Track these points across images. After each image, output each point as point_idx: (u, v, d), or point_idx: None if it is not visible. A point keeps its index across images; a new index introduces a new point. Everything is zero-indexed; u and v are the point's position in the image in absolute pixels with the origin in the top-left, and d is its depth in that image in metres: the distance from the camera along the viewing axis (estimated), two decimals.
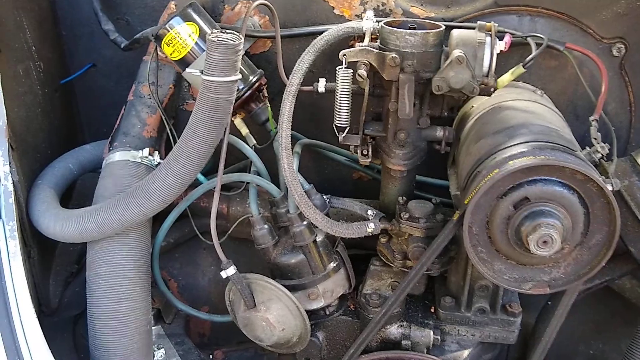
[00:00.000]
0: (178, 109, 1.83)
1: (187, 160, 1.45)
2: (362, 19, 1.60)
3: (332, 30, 1.57)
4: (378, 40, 1.52)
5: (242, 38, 1.37)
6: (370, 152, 1.59)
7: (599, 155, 1.46)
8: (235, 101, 1.62)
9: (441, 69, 1.42)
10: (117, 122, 1.74)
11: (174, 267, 2.02)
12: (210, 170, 1.76)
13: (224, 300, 1.70)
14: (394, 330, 1.66)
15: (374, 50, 1.45)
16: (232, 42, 1.33)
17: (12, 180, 1.50)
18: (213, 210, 1.50)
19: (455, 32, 1.46)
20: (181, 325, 1.88)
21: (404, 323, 1.66)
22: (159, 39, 1.62)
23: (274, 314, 1.58)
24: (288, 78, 1.54)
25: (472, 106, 1.64)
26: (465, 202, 1.34)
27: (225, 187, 1.77)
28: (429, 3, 1.73)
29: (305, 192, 1.57)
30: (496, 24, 1.47)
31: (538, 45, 1.59)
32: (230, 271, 1.53)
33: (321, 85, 1.58)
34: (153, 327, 1.76)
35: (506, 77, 1.54)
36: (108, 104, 1.90)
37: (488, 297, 1.63)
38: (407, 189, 1.67)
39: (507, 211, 1.33)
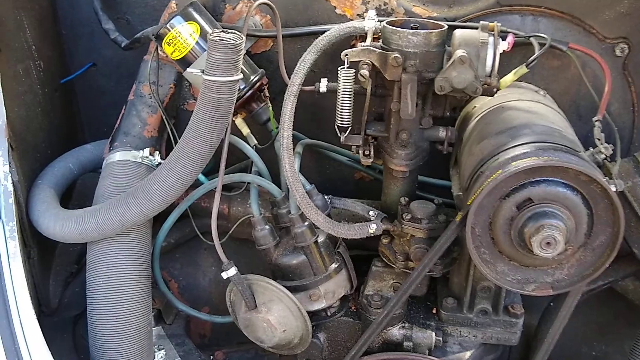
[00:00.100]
0: (179, 108, 1.82)
1: (188, 161, 1.44)
2: (364, 18, 1.59)
3: (334, 30, 1.56)
4: (380, 40, 1.52)
5: (244, 37, 1.36)
6: (372, 153, 1.59)
7: (603, 156, 1.45)
8: (237, 101, 1.62)
9: (444, 69, 1.41)
10: (118, 122, 1.73)
11: (175, 268, 2.01)
12: (211, 171, 1.74)
13: (224, 301, 1.69)
14: (396, 332, 1.65)
15: (377, 50, 1.45)
16: (233, 41, 1.32)
17: (12, 180, 1.49)
18: (214, 211, 1.49)
19: (458, 32, 1.46)
20: (182, 326, 1.87)
21: (406, 324, 1.65)
22: (159, 38, 1.61)
23: (275, 315, 1.57)
24: (289, 78, 1.53)
25: (475, 106, 1.63)
26: (468, 203, 1.33)
27: (226, 188, 1.76)
28: (431, 3, 1.72)
29: (306, 192, 1.56)
30: (499, 24, 1.46)
31: (541, 45, 1.58)
32: (231, 272, 1.52)
33: (323, 85, 1.57)
34: (153, 328, 1.75)
35: (509, 77, 1.53)
36: (108, 104, 1.89)
37: (490, 299, 1.62)
38: (409, 190, 1.67)
39: (510, 212, 1.32)
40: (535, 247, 1.27)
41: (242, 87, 1.63)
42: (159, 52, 1.69)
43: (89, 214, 1.52)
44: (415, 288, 1.57)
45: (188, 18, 1.60)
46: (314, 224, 1.59)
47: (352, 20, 1.71)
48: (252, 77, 1.65)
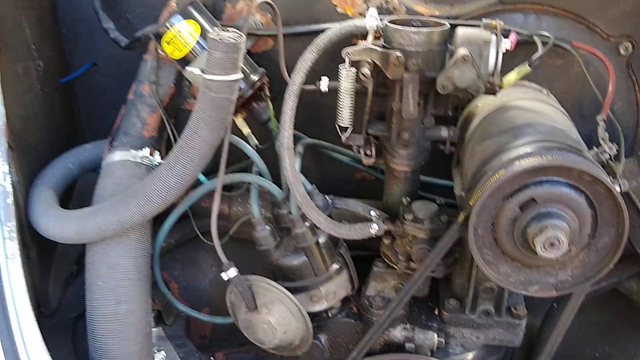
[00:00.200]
0: (179, 108, 1.81)
1: (187, 161, 1.43)
2: (365, 17, 1.58)
3: (335, 29, 1.55)
4: (382, 39, 1.50)
5: (244, 36, 1.35)
6: (373, 152, 1.57)
7: (607, 156, 1.44)
8: (237, 100, 1.60)
9: (446, 67, 1.40)
10: (117, 122, 1.72)
11: (175, 268, 2.00)
12: (211, 171, 1.73)
13: (225, 302, 1.68)
14: (398, 333, 1.64)
15: (378, 48, 1.43)
16: (233, 40, 1.31)
17: (11, 180, 1.48)
18: (214, 211, 1.48)
19: (460, 31, 1.44)
20: (182, 327, 1.86)
21: (408, 325, 1.64)
22: (159, 37, 1.60)
23: (276, 316, 1.56)
24: (290, 77, 1.52)
25: (478, 106, 1.61)
26: (471, 204, 1.31)
27: (226, 188, 1.75)
28: (433, 1, 1.71)
29: (307, 192, 1.55)
30: (502, 22, 1.45)
31: (544, 43, 1.56)
32: (231, 273, 1.51)
33: (324, 84, 1.56)
34: (153, 329, 1.74)
35: (512, 76, 1.52)
36: (109, 103, 1.88)
37: (493, 300, 1.61)
38: (411, 190, 1.65)
39: (513, 213, 1.31)
40: (539, 248, 1.26)
41: (242, 86, 1.62)
42: (159, 51, 1.68)
43: (87, 215, 1.51)
44: (417, 289, 1.55)
45: (188, 17, 1.58)
46: (314, 225, 1.57)
47: (353, 18, 1.69)
48: (252, 77, 1.63)
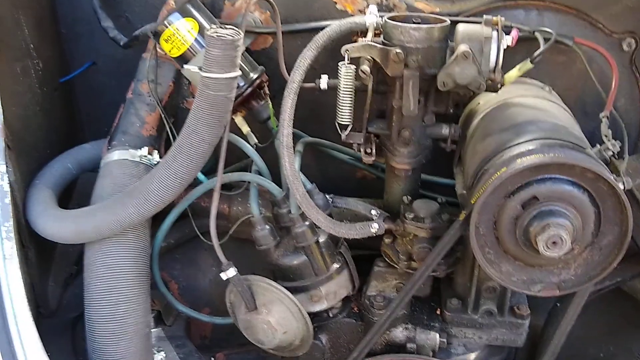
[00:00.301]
0: (178, 107, 1.80)
1: (186, 159, 1.41)
2: (365, 14, 1.56)
3: (335, 26, 1.54)
4: (382, 36, 1.49)
5: (242, 34, 1.34)
6: (374, 151, 1.56)
7: (610, 153, 1.42)
8: (236, 99, 1.59)
9: (446, 64, 1.38)
10: (116, 121, 1.71)
11: (175, 268, 1.99)
12: (211, 170, 1.72)
13: (225, 302, 1.66)
14: (399, 333, 1.62)
15: (377, 45, 1.42)
16: (231, 37, 1.30)
17: (9, 180, 1.48)
18: (212, 211, 1.47)
19: (460, 27, 1.43)
20: (182, 328, 1.85)
21: (409, 325, 1.63)
22: (157, 35, 1.59)
23: (276, 316, 1.54)
24: (289, 75, 1.50)
25: (479, 103, 1.60)
26: (472, 202, 1.30)
27: (226, 187, 1.74)
28: None
29: (307, 191, 1.54)
30: (503, 19, 1.43)
31: (546, 40, 1.55)
32: (230, 273, 1.50)
33: (323, 81, 1.54)
34: (153, 330, 1.73)
35: (513, 73, 1.50)
36: (109, 103, 1.87)
37: (495, 299, 1.59)
38: (412, 188, 1.64)
39: (515, 211, 1.29)
40: (541, 247, 1.24)
41: (241, 84, 1.61)
42: (158, 49, 1.66)
43: (85, 214, 1.50)
44: (418, 289, 1.54)
45: (186, 14, 1.58)
46: (314, 224, 1.56)
47: (353, 15, 1.68)
48: (251, 75, 1.62)
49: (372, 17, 1.52)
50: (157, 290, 1.75)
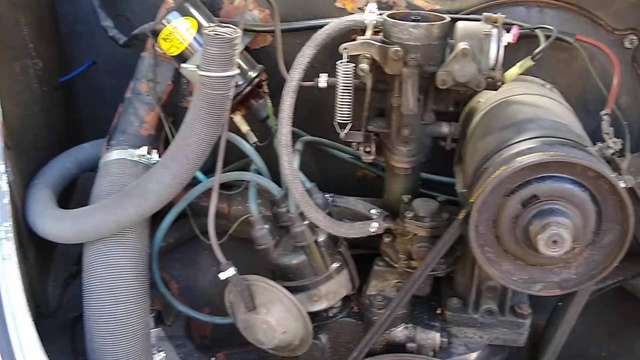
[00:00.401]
0: (177, 106, 1.80)
1: (184, 159, 1.41)
2: (364, 11, 1.55)
3: (333, 24, 1.53)
4: (381, 34, 1.48)
5: (240, 32, 1.33)
6: (373, 149, 1.55)
7: (611, 151, 1.41)
8: (235, 97, 1.58)
9: (446, 62, 1.37)
10: (115, 120, 1.71)
11: (175, 268, 1.99)
12: (210, 169, 1.71)
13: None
14: (399, 333, 1.61)
15: (376, 43, 1.41)
16: (228, 36, 1.29)
17: (8, 180, 1.47)
18: (211, 210, 1.47)
19: (460, 24, 1.42)
20: (182, 327, 1.85)
21: (410, 325, 1.62)
22: (156, 34, 1.59)
23: (275, 316, 1.54)
24: (288, 73, 1.49)
25: (479, 101, 1.59)
26: (471, 201, 1.29)
27: (226, 186, 1.73)
28: None
29: (306, 190, 1.53)
30: (503, 16, 1.42)
31: (547, 37, 1.54)
32: (229, 272, 1.49)
33: (322, 80, 1.53)
34: (153, 330, 1.73)
35: (514, 71, 1.49)
36: (109, 102, 1.87)
37: (496, 298, 1.58)
38: (412, 187, 1.63)
39: (515, 210, 1.28)
40: (541, 246, 1.23)
41: (240, 83, 1.60)
42: (157, 48, 1.66)
43: (84, 214, 1.50)
44: (418, 288, 1.53)
45: (184, 13, 1.57)
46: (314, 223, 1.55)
47: (352, 13, 1.67)
48: (250, 73, 1.61)
49: (371, 15, 1.51)
50: (157, 290, 1.75)
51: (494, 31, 1.39)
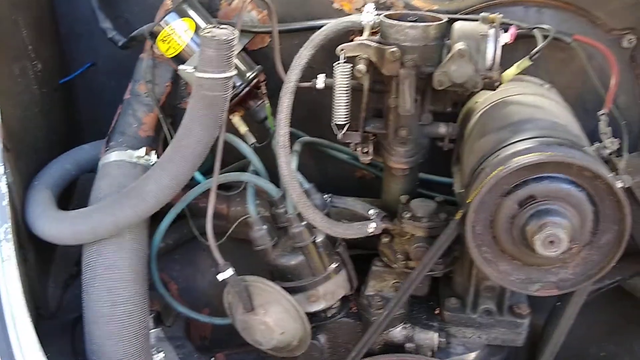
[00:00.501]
0: (176, 107, 1.80)
1: (181, 160, 1.41)
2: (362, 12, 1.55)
3: (331, 25, 1.53)
4: (379, 35, 1.48)
5: (237, 33, 1.33)
6: (371, 150, 1.55)
7: (609, 151, 1.40)
8: (233, 98, 1.59)
9: (442, 63, 1.37)
10: (114, 122, 1.71)
11: (174, 269, 1.99)
12: (209, 169, 1.71)
13: None
14: (398, 333, 1.61)
15: (373, 44, 1.41)
16: (225, 37, 1.29)
17: (7, 181, 1.48)
18: (209, 211, 1.47)
19: (457, 25, 1.41)
20: (181, 328, 1.85)
21: (408, 325, 1.62)
22: (154, 35, 1.59)
23: (273, 317, 1.54)
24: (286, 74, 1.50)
25: (477, 101, 1.58)
26: (468, 201, 1.29)
27: (225, 187, 1.74)
28: None
29: (304, 191, 1.53)
30: (500, 16, 1.42)
31: (544, 37, 1.53)
32: (227, 273, 1.50)
33: (320, 81, 1.53)
34: (153, 330, 1.73)
35: (511, 71, 1.49)
36: (110, 103, 1.87)
37: (494, 298, 1.58)
38: (410, 188, 1.63)
39: (511, 210, 1.28)
40: (538, 246, 1.23)
41: (238, 84, 1.60)
42: (155, 50, 1.66)
43: (83, 216, 1.50)
44: (416, 288, 1.53)
45: (182, 14, 1.57)
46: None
47: (350, 14, 1.67)
48: (247, 74, 1.62)
49: (368, 16, 1.50)
50: (156, 291, 1.75)
51: (491, 31, 1.38)
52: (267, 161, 1.66)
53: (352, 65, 1.44)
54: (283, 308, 1.54)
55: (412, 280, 1.48)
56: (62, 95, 1.99)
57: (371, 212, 1.59)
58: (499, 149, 1.32)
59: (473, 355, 1.63)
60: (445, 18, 1.46)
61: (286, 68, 1.54)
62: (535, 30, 1.54)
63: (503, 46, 1.41)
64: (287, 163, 1.49)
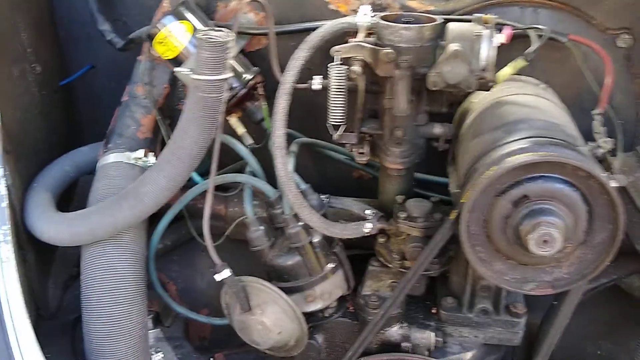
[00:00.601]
0: (174, 109, 1.81)
1: (178, 161, 1.42)
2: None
3: (327, 26, 1.54)
4: (376, 36, 1.49)
5: (233, 35, 1.34)
6: (367, 151, 1.56)
7: (603, 151, 1.41)
8: (231, 100, 1.60)
9: (437, 63, 1.38)
10: (112, 124, 1.72)
11: (173, 270, 1.99)
12: (208, 171, 1.71)
13: None
14: (394, 332, 1.62)
15: (367, 45, 1.42)
16: (220, 39, 1.30)
17: (7, 183, 1.49)
18: (205, 212, 1.48)
19: (451, 26, 1.42)
20: (180, 329, 1.86)
21: (405, 324, 1.62)
22: (152, 38, 1.60)
23: (270, 317, 1.55)
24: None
25: (472, 102, 1.59)
26: (462, 201, 1.30)
27: (223, 188, 1.75)
28: None
29: (301, 192, 1.54)
30: (495, 16, 1.43)
31: (540, 37, 1.54)
32: (224, 274, 1.50)
33: (316, 82, 1.54)
34: (152, 331, 1.74)
35: (506, 71, 1.50)
36: (109, 105, 1.89)
37: (491, 298, 1.59)
38: (406, 188, 1.63)
39: (506, 210, 1.29)
40: (532, 245, 1.24)
41: (236, 85, 1.61)
42: (153, 52, 1.67)
43: (81, 217, 1.51)
44: (412, 288, 1.54)
45: (179, 17, 1.59)
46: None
47: (346, 16, 1.67)
48: (245, 76, 1.62)
49: (363, 17, 1.51)
50: (155, 292, 1.76)
51: (485, 32, 1.39)
52: (265, 162, 1.67)
53: (347, 66, 1.45)
54: (280, 308, 1.55)
55: (407, 280, 1.48)
56: (62, 97, 2.01)
57: (367, 212, 1.60)
58: (493, 149, 1.33)
59: (470, 354, 1.63)
60: (439, 19, 1.46)
61: (284, 69, 1.55)
62: (529, 30, 1.54)
63: (499, 47, 1.42)
64: (284, 164, 1.49)
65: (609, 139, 1.42)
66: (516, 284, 1.37)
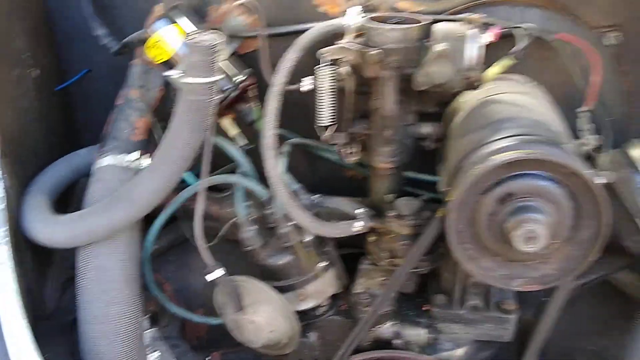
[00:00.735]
0: (168, 112, 1.82)
1: (169, 163, 1.44)
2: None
3: (316, 28, 1.55)
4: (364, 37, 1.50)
5: (222, 39, 1.36)
6: (357, 151, 1.57)
7: (589, 148, 1.42)
8: (223, 102, 1.62)
9: (423, 64, 1.39)
10: (107, 127, 1.74)
11: (168, 270, 2.01)
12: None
13: None
14: (386, 329, 1.64)
15: (353, 47, 1.43)
16: (208, 43, 1.32)
17: (4, 186, 1.51)
18: (197, 213, 1.50)
19: (438, 26, 1.43)
20: (177, 328, 1.88)
21: (396, 322, 1.64)
22: (144, 42, 1.62)
23: (262, 316, 1.57)
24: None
25: (461, 101, 1.60)
26: (448, 199, 1.31)
27: (217, 189, 1.76)
28: None
29: (293, 192, 1.56)
30: (483, 15, 1.44)
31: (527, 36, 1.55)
32: (216, 274, 1.52)
33: (306, 83, 1.56)
34: (148, 330, 1.75)
35: (494, 70, 1.51)
36: (107, 109, 1.91)
37: (481, 295, 1.60)
38: (395, 187, 1.65)
39: (491, 207, 1.30)
40: (517, 242, 1.25)
41: (228, 87, 1.63)
42: (146, 56, 1.69)
43: (76, 219, 1.53)
44: (402, 285, 1.55)
45: (172, 21, 1.61)
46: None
47: (336, 18, 1.69)
48: (237, 78, 1.64)
49: (350, 19, 1.52)
50: (150, 292, 1.78)
51: (471, 32, 1.40)
52: (260, 163, 1.68)
53: (335, 67, 1.46)
54: (272, 307, 1.57)
55: (397, 278, 1.50)
56: (60, 100, 2.02)
57: (358, 211, 1.61)
58: (479, 148, 1.34)
59: (461, 350, 1.65)
60: (427, 19, 1.47)
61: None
62: (515, 29, 1.55)
63: (488, 46, 1.43)
64: (274, 165, 1.51)
65: (595, 136, 1.43)
66: (504, 280, 1.38)
